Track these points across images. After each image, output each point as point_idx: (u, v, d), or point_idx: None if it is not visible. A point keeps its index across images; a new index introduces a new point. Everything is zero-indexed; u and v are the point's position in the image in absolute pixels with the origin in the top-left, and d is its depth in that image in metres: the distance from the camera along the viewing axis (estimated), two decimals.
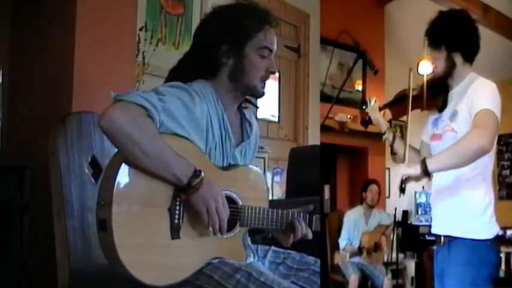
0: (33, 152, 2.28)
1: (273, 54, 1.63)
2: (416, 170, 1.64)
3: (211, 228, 1.45)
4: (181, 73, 1.63)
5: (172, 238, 1.42)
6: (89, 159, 1.94)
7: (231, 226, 1.52)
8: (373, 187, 4.02)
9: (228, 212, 1.47)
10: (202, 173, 1.41)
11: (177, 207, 1.43)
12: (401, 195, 1.72)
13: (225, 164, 1.60)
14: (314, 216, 1.67)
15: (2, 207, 2.19)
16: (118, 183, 1.35)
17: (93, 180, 1.93)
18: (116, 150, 1.45)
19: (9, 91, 2.57)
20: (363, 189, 4.05)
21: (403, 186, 1.69)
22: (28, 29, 2.56)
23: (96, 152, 1.96)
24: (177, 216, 1.42)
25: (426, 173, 1.63)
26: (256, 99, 1.71)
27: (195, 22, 3.67)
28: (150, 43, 3.14)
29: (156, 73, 3.17)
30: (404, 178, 1.68)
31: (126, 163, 1.37)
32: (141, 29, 3.01)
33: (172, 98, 1.45)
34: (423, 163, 1.63)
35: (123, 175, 1.36)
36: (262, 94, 1.65)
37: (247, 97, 1.70)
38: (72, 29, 2.32)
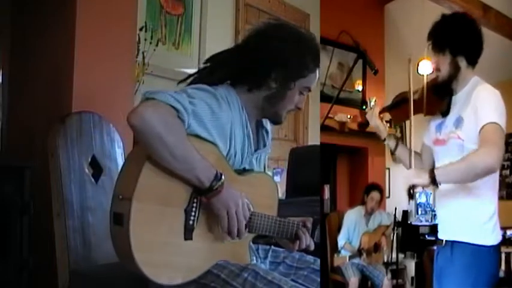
0: (33, 152, 2.28)
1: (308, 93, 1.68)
2: (424, 179, 1.66)
3: (228, 232, 1.45)
4: (219, 68, 1.63)
5: (185, 239, 1.42)
6: (89, 159, 1.94)
7: None
8: (375, 195, 3.96)
9: (247, 214, 1.48)
10: (223, 176, 1.41)
11: (194, 209, 1.43)
12: (411, 201, 1.76)
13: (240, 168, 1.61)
14: (316, 229, 1.68)
15: (2, 207, 2.18)
16: (141, 179, 1.35)
17: (93, 180, 1.94)
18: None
19: (9, 91, 2.57)
20: (365, 191, 4.03)
21: (412, 192, 1.70)
22: (28, 29, 2.56)
23: (96, 152, 1.96)
24: (192, 218, 1.43)
25: (434, 183, 1.65)
26: (274, 124, 1.73)
27: (195, 22, 3.67)
28: (150, 43, 3.13)
29: (156, 73, 3.17)
30: (412, 185, 1.69)
31: (149, 161, 1.37)
32: (141, 29, 3.01)
33: (202, 103, 1.45)
34: (432, 173, 1.64)
35: (146, 172, 1.36)
36: (280, 123, 1.69)
37: None
38: (72, 29, 2.32)
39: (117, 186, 1.43)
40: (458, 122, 1.77)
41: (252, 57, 1.61)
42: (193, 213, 1.43)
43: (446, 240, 1.81)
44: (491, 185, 1.78)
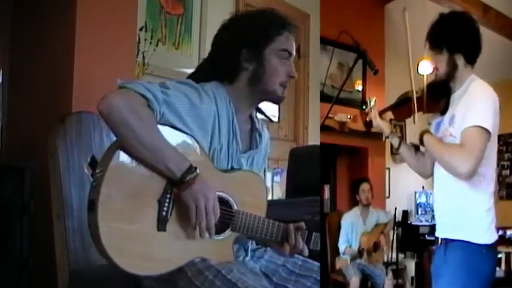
0: (33, 152, 2.28)
1: (292, 58, 1.64)
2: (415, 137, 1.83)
3: (197, 227, 1.43)
4: (199, 78, 1.62)
5: (158, 230, 1.40)
6: (89, 159, 1.94)
7: (222, 229, 1.50)
8: (365, 186, 4.00)
9: (217, 213, 1.45)
10: (198, 170, 1.40)
11: (167, 200, 1.42)
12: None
13: (228, 167, 1.58)
14: (313, 234, 1.63)
15: (2, 207, 2.19)
16: (111, 166, 1.35)
17: (92, 180, 1.93)
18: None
19: (9, 91, 2.57)
20: (354, 190, 4.05)
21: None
22: (28, 30, 2.56)
23: (95, 152, 1.96)
24: (165, 209, 1.41)
25: (421, 143, 1.82)
26: (275, 103, 1.69)
27: (195, 22, 3.67)
28: (150, 43, 3.13)
29: (156, 73, 3.17)
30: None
31: (123, 150, 1.37)
32: (141, 29, 3.01)
33: (178, 94, 1.44)
34: (421, 135, 1.80)
35: (119, 160, 1.36)
36: (282, 99, 1.65)
37: (260, 109, 1.72)
38: (72, 29, 2.32)
39: (93, 175, 1.44)
40: (452, 119, 1.79)
41: (219, 50, 1.63)
42: (166, 204, 1.41)
43: (441, 240, 1.81)
44: (487, 182, 1.77)
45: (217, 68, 1.62)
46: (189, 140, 1.46)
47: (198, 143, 1.48)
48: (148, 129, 1.36)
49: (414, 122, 1.88)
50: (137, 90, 1.37)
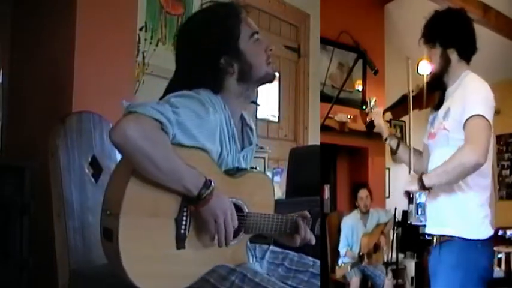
0: (33, 152, 2.28)
1: (259, 35, 1.62)
2: (414, 186, 1.74)
3: (216, 240, 1.44)
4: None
5: (178, 248, 1.40)
6: (89, 159, 1.94)
7: (235, 233, 1.51)
8: (362, 193, 3.97)
9: (236, 224, 1.46)
10: (213, 183, 1.39)
11: (184, 218, 1.41)
12: (411, 205, 1.85)
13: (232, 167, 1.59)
14: (316, 223, 1.66)
15: (2, 207, 2.19)
16: (127, 194, 1.32)
17: (93, 180, 1.93)
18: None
19: (9, 91, 2.57)
20: (353, 196, 4.04)
21: (411, 196, 1.81)
22: (28, 30, 2.56)
23: (96, 151, 1.95)
24: (183, 227, 1.41)
25: (424, 188, 1.73)
26: (271, 82, 1.67)
27: None
28: (150, 43, 3.14)
29: (156, 73, 3.18)
30: (407, 191, 1.80)
31: (135, 175, 1.34)
32: (141, 29, 3.02)
33: (186, 110, 1.41)
34: (420, 179, 1.72)
35: (132, 186, 1.34)
36: (274, 76, 1.65)
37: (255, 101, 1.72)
38: (72, 29, 2.32)
39: (104, 201, 1.41)
40: (446, 113, 1.79)
41: (195, 72, 1.57)
42: (184, 222, 1.41)
43: (436, 239, 1.81)
44: (480, 177, 1.76)
45: (201, 84, 1.56)
46: (198, 151, 1.44)
47: (208, 154, 1.47)
48: (164, 154, 1.33)
49: (410, 121, 1.87)
50: (150, 114, 1.33)
